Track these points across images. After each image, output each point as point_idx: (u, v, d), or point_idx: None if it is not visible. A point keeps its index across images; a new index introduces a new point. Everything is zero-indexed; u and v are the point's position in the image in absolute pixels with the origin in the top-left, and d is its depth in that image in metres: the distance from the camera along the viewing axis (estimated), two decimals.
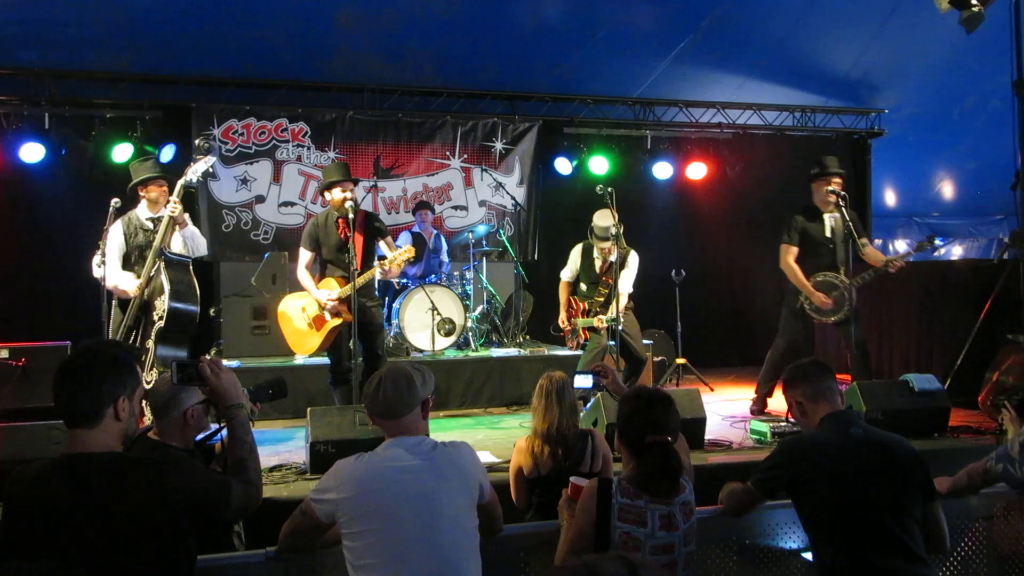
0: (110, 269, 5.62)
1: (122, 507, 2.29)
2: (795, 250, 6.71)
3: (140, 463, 2.45)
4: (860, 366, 6.55)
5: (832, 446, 3.00)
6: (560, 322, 7.31)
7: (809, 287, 6.59)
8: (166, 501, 2.35)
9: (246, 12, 7.94)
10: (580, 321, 7.09)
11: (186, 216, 5.79)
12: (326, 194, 6.27)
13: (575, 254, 7.27)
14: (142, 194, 5.86)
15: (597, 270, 7.09)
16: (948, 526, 3.09)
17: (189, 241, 5.79)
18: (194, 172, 5.67)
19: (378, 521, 2.63)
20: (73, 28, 7.87)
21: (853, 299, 6.44)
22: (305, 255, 6.30)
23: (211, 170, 5.84)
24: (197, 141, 5.79)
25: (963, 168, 12.15)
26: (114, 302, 5.75)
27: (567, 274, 7.32)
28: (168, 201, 5.67)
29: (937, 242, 7.01)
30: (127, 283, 5.65)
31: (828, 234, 6.69)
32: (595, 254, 7.10)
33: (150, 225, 5.79)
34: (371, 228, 6.34)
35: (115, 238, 5.75)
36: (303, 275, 6.29)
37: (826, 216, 6.71)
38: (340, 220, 6.08)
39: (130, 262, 5.78)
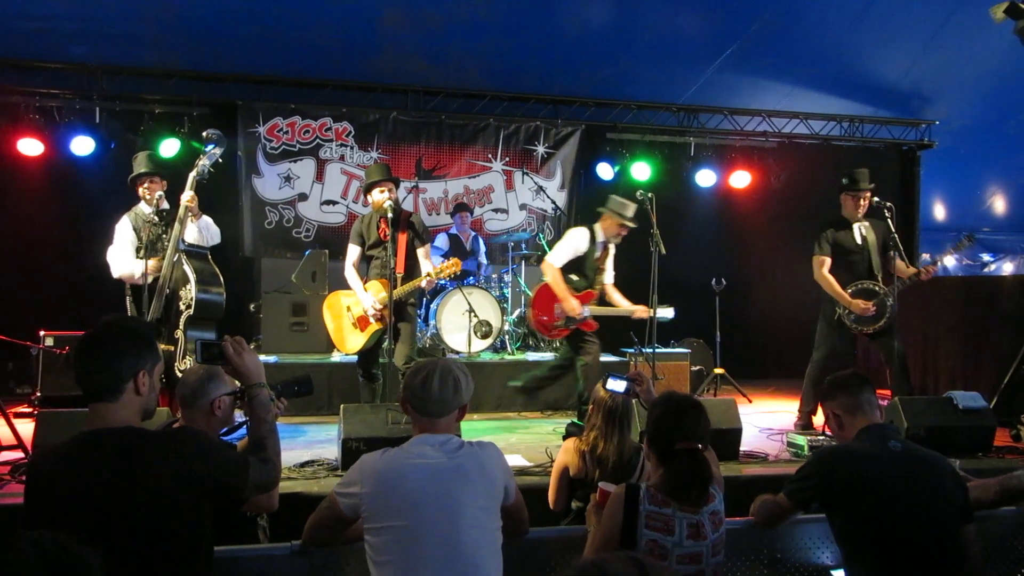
0: (119, 257, 5.73)
1: (140, 482, 2.29)
2: (828, 260, 6.58)
3: (158, 437, 2.45)
4: (900, 380, 6.36)
5: (869, 458, 2.92)
6: (572, 310, 6.37)
7: (846, 296, 6.43)
8: (184, 476, 2.35)
9: (293, 12, 8.05)
10: (601, 309, 6.42)
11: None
12: (368, 195, 6.32)
13: (582, 239, 6.49)
14: (139, 189, 5.93)
15: (597, 257, 6.59)
16: (1002, 544, 2.99)
17: (204, 231, 5.89)
18: (203, 164, 5.73)
19: (399, 517, 2.61)
20: (125, 25, 8.05)
21: (894, 307, 6.31)
22: (353, 251, 6.34)
23: (220, 160, 5.93)
24: (205, 133, 5.83)
25: (1015, 183, 11.88)
26: (128, 297, 5.78)
27: (562, 259, 6.48)
28: (162, 196, 5.84)
29: (984, 256, 6.86)
30: (137, 270, 5.67)
31: (859, 242, 6.58)
32: (599, 239, 6.55)
33: (155, 219, 5.83)
34: (415, 231, 6.32)
35: (124, 230, 5.85)
36: (351, 274, 6.32)
37: (855, 225, 6.61)
38: (382, 220, 6.11)
39: (142, 255, 5.77)
